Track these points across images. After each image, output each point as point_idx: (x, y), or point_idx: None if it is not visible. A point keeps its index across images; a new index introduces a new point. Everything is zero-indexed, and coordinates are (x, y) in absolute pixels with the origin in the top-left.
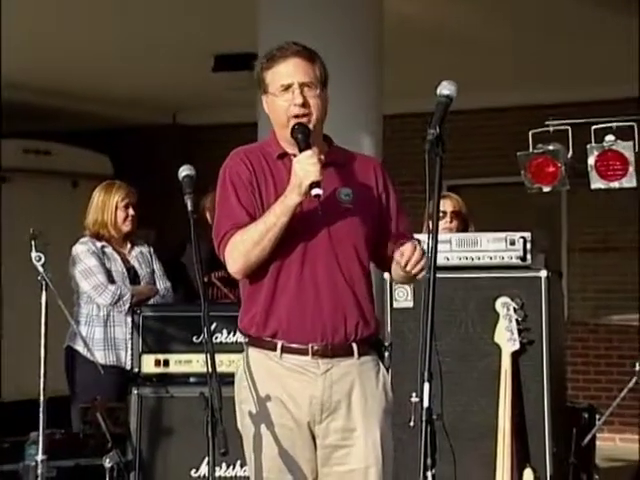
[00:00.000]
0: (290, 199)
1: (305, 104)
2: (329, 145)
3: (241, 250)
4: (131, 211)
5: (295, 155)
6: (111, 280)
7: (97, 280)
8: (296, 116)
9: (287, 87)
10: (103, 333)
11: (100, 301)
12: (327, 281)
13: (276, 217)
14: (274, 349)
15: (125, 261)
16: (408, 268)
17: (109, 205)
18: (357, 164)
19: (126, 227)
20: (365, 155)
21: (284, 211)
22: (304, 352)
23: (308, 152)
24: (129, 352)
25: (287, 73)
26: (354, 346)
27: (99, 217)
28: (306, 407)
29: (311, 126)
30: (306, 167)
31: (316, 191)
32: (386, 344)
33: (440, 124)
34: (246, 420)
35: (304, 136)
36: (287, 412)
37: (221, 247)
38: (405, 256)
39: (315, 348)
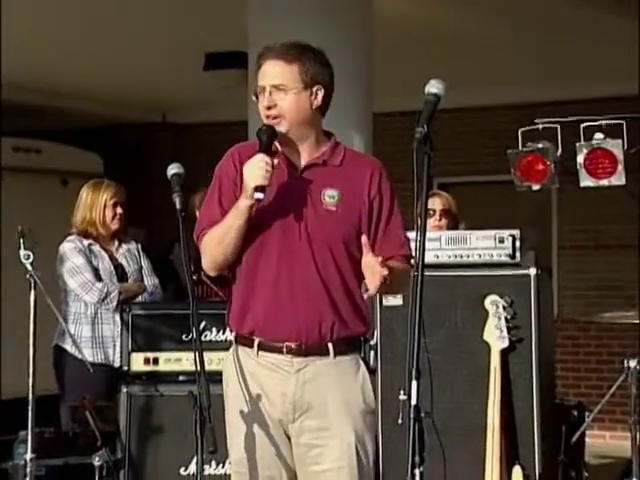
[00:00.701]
0: (241, 202)
1: (273, 107)
2: (333, 144)
3: (208, 249)
4: (119, 209)
5: (284, 154)
6: (98, 278)
7: (84, 278)
8: (267, 117)
9: (262, 89)
10: (91, 331)
11: (87, 299)
12: (303, 281)
13: (232, 219)
14: (251, 346)
15: (112, 259)
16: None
17: (97, 203)
18: (354, 166)
19: (114, 225)
20: (367, 157)
21: (238, 213)
22: (279, 350)
23: (259, 155)
24: (117, 350)
25: (262, 75)
26: (330, 346)
27: (87, 215)
28: (279, 405)
29: (283, 129)
30: (253, 170)
31: (257, 195)
32: (372, 343)
33: (428, 122)
34: (230, 415)
35: (266, 138)
36: (263, 409)
37: (198, 243)
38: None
39: (290, 347)
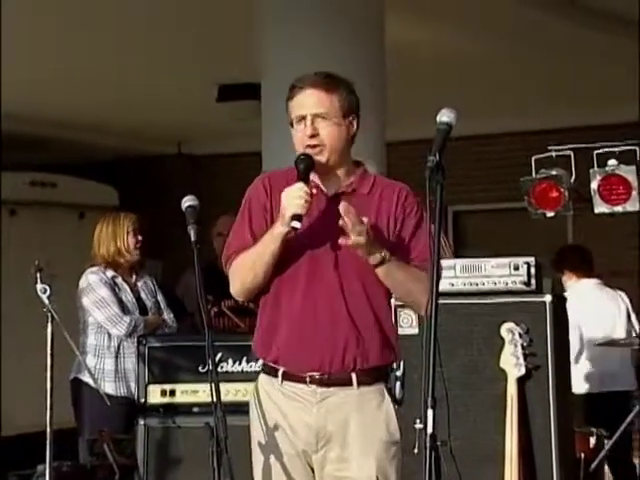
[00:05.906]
0: (276, 228)
1: (315, 135)
2: (362, 172)
3: (238, 274)
4: (139, 237)
5: (314, 182)
6: (124, 310)
7: (112, 311)
8: (308, 147)
9: (301, 118)
10: (114, 364)
11: (115, 332)
12: (328, 311)
13: (264, 245)
14: (276, 375)
15: (133, 291)
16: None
17: (120, 233)
18: (382, 192)
19: (136, 253)
20: (394, 182)
21: (271, 239)
22: (302, 380)
23: (298, 184)
24: None
25: (302, 104)
26: (353, 376)
27: (112, 247)
28: (303, 435)
29: (323, 158)
30: (291, 199)
31: (294, 224)
32: (398, 374)
33: (440, 151)
34: (253, 445)
35: (305, 167)
36: (286, 439)
37: (227, 268)
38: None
39: (313, 377)
